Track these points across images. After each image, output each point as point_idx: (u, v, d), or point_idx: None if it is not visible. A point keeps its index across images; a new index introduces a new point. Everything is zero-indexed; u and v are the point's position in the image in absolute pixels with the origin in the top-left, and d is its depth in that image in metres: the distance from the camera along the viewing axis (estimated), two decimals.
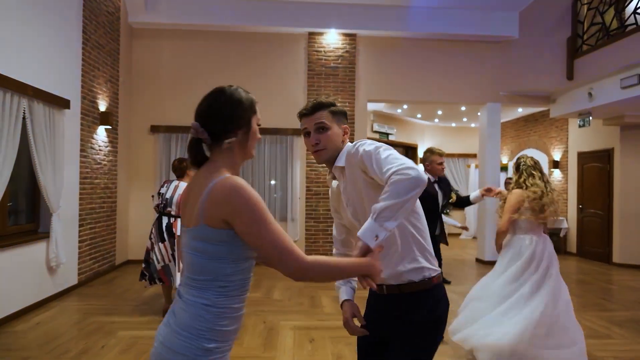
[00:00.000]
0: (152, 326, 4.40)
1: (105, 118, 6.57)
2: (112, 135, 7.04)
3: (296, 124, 8.07)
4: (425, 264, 1.74)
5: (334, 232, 2.01)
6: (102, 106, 6.64)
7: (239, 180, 1.30)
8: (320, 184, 8.09)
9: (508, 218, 3.52)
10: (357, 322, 1.83)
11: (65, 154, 5.44)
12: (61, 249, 5.27)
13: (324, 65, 8.09)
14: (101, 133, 6.64)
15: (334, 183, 1.92)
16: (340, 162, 1.77)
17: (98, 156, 6.53)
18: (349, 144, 1.81)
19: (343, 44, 8.10)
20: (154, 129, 7.82)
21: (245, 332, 4.29)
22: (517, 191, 3.57)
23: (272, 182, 8.15)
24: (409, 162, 1.53)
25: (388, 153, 1.60)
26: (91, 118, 6.31)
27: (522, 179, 3.61)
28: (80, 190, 6.01)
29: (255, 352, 3.84)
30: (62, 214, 5.36)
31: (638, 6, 6.38)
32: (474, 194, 4.29)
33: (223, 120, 1.39)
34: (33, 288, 4.97)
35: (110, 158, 6.97)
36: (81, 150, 6.03)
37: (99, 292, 5.82)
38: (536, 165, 3.64)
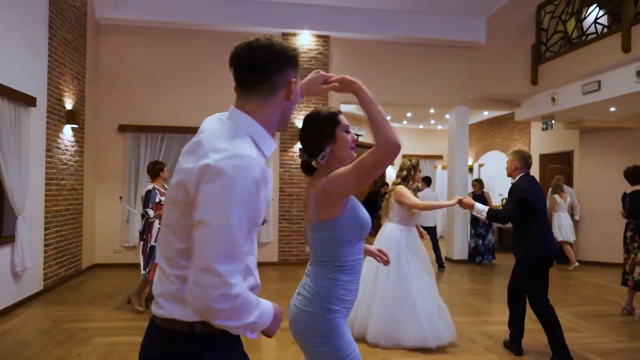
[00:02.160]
0: (129, 332, 4.27)
1: (71, 116, 6.31)
2: (79, 134, 6.78)
3: None
4: None
5: None
6: (69, 104, 6.38)
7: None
8: (293, 185, 8.08)
9: None
10: None
11: (30, 154, 5.19)
12: (27, 254, 5.03)
13: None
14: (67, 132, 6.38)
15: None
16: None
17: (64, 156, 6.27)
18: None
19: (316, 45, 8.13)
20: (122, 128, 7.58)
21: None
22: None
23: None
24: None
25: None
26: (57, 116, 6.05)
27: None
28: (46, 191, 5.75)
29: None
30: (27, 216, 5.11)
31: (598, 16, 6.73)
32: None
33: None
34: None
35: (77, 158, 6.71)
36: (47, 150, 5.77)
37: (66, 298, 5.59)
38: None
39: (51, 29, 5.80)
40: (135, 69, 7.71)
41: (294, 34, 8.05)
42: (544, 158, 9.69)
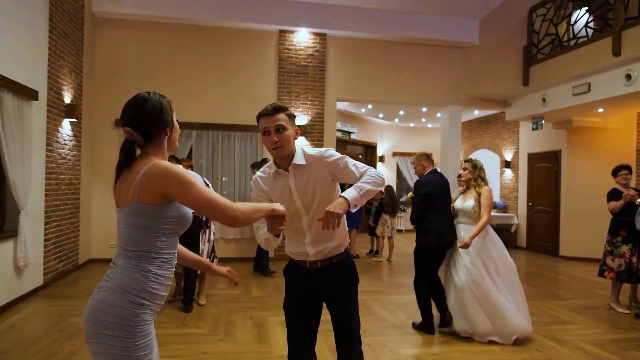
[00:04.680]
0: None
1: (70, 110, 6.27)
2: (77, 128, 6.73)
3: None
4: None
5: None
6: (67, 98, 6.33)
7: (168, 163, 1.61)
8: None
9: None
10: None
11: (32, 148, 5.15)
12: (30, 248, 5.01)
13: (294, 63, 8.15)
14: (66, 126, 6.33)
15: (274, 176, 2.20)
16: (299, 160, 2.13)
17: (63, 150, 6.23)
18: (304, 147, 2.19)
19: (313, 43, 8.20)
20: (119, 122, 7.53)
21: (235, 328, 4.31)
22: (489, 188, 4.30)
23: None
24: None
25: (354, 161, 2.17)
26: (57, 110, 6.01)
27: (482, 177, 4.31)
28: (46, 186, 5.71)
29: (250, 347, 3.87)
30: (28, 211, 5.08)
31: (589, 20, 6.96)
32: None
33: (154, 123, 1.67)
34: (1, 290, 4.68)
35: (75, 153, 6.66)
36: (47, 144, 5.73)
37: (66, 292, 5.57)
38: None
39: (51, 22, 5.75)
40: (131, 63, 7.67)
41: (292, 32, 8.10)
42: (532, 157, 9.95)
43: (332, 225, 1.88)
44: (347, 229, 2.31)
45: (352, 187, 2.00)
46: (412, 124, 13.24)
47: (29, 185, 5.04)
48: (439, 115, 10.77)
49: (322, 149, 2.18)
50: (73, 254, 6.68)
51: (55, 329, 4.16)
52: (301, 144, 2.25)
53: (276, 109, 2.09)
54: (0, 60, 4.56)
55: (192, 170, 5.18)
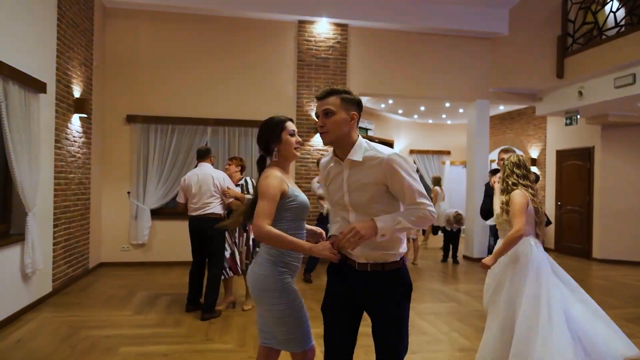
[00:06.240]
0: (156, 340, 3.89)
1: (80, 105, 5.87)
2: (86, 124, 6.32)
3: (286, 115, 7.63)
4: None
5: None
6: (77, 92, 5.93)
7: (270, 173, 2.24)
8: (310, 179, 7.72)
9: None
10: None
11: (40, 145, 4.75)
12: (37, 253, 4.61)
13: (314, 55, 7.71)
14: (75, 122, 5.93)
15: (332, 162, 2.11)
16: (356, 156, 1.97)
17: (72, 148, 5.83)
18: (370, 143, 2.02)
19: (334, 34, 7.76)
20: (131, 118, 7.14)
21: None
22: (521, 192, 3.19)
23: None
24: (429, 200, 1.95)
25: (417, 181, 1.95)
26: (66, 105, 5.60)
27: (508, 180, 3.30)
28: (55, 186, 5.31)
29: None
30: (36, 213, 4.68)
31: (635, 7, 6.48)
32: None
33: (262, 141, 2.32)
34: (7, 299, 4.29)
35: (85, 150, 6.26)
36: (56, 141, 5.32)
37: (77, 300, 5.17)
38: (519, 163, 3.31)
39: (60, 9, 5.34)
40: (144, 56, 7.26)
41: (311, 22, 7.67)
42: (561, 154, 9.46)
43: (350, 244, 1.84)
44: (403, 236, 2.06)
45: (393, 215, 1.91)
46: (430, 121, 12.75)
47: (37, 186, 4.64)
48: (461, 110, 10.32)
49: (388, 152, 1.95)
50: (83, 258, 6.28)
51: (67, 345, 3.75)
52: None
53: (328, 93, 2.02)
54: (5, 47, 4.15)
55: (243, 170, 5.08)
